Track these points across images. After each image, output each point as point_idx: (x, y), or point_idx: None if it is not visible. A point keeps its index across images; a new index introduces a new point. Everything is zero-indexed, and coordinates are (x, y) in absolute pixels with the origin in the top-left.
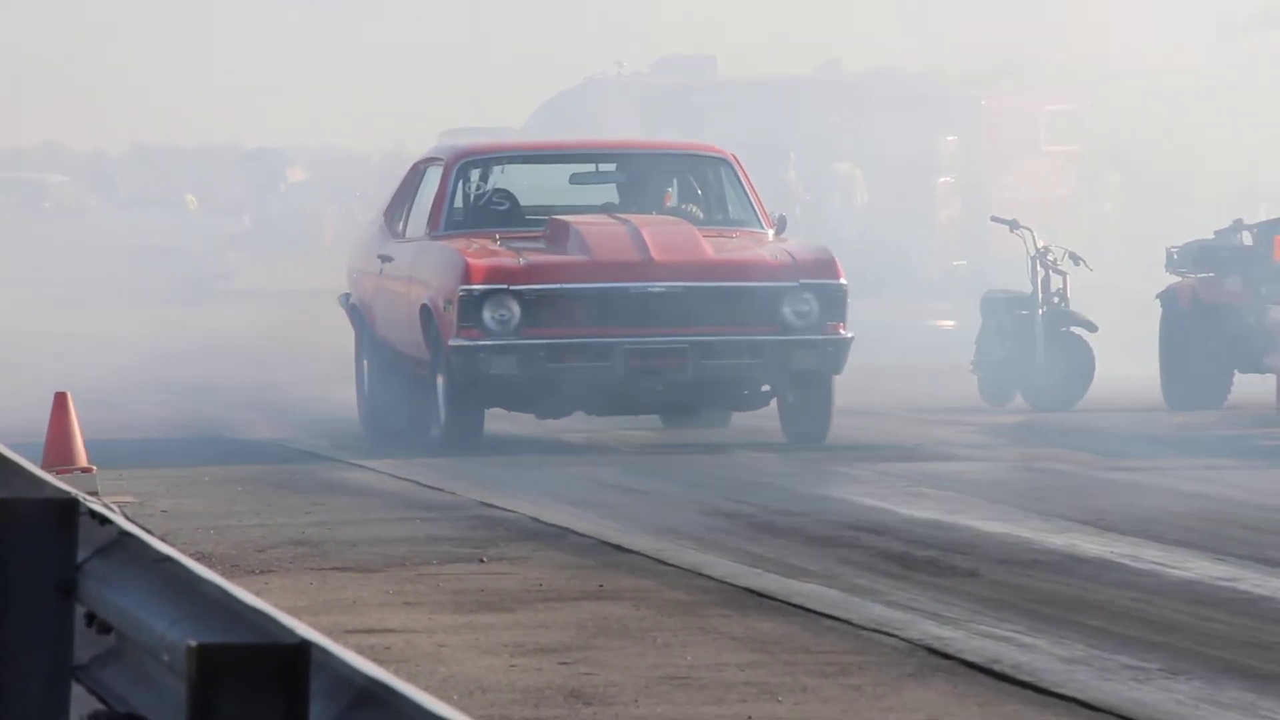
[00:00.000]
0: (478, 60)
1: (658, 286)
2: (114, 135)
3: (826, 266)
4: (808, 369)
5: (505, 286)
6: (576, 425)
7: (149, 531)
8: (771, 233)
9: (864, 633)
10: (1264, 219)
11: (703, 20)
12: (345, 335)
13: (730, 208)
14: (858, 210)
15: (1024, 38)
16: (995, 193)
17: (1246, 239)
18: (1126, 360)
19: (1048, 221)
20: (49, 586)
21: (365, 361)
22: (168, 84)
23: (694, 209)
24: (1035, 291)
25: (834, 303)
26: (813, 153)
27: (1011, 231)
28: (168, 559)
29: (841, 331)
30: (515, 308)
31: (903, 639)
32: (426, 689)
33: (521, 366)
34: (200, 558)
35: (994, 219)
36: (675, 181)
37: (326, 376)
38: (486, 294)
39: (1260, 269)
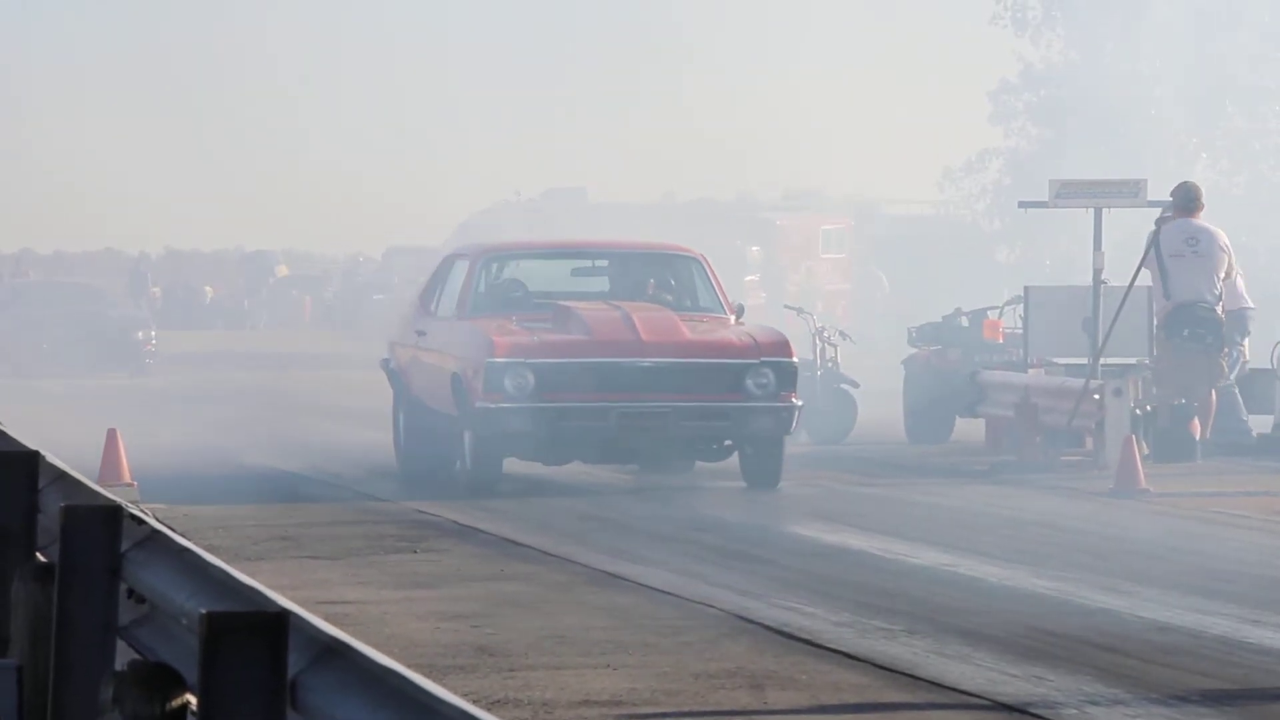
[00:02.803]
0: (408, 187)
1: (646, 362)
2: (152, 242)
3: (782, 347)
4: (765, 430)
5: (523, 360)
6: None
7: (173, 530)
8: (734, 318)
9: (692, 604)
10: (975, 308)
11: (576, 158)
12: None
13: (700, 297)
14: None
15: (806, 176)
16: (787, 287)
17: (964, 322)
18: (881, 407)
19: (825, 309)
20: (101, 568)
21: (401, 414)
22: (194, 199)
23: (671, 297)
24: (815, 358)
25: (787, 377)
26: None
27: (798, 315)
28: (186, 550)
29: (793, 400)
30: (531, 377)
31: (719, 609)
32: (373, 646)
33: (535, 425)
34: (210, 549)
35: (786, 306)
36: (656, 275)
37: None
38: (508, 366)
39: (973, 343)
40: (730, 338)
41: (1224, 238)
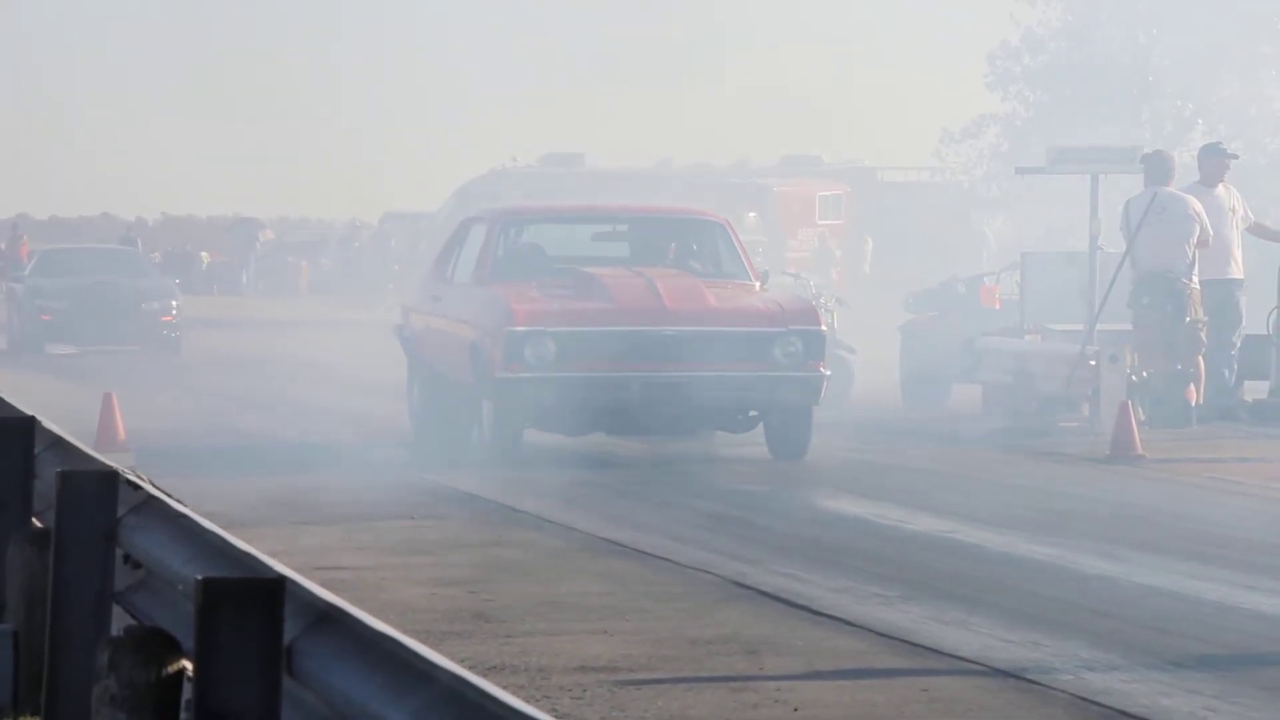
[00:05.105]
0: (405, 151)
1: (670, 330)
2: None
3: (810, 315)
4: (792, 400)
5: (544, 329)
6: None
7: (169, 495)
8: (759, 285)
9: (688, 570)
10: (972, 275)
11: (573, 123)
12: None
13: (724, 263)
14: None
15: (803, 142)
16: (784, 253)
17: (961, 288)
18: (877, 373)
19: (836, 275)
20: (97, 534)
21: (417, 383)
22: (191, 166)
23: (695, 264)
24: None
25: (815, 345)
26: None
27: (795, 281)
28: (183, 515)
29: (821, 369)
30: (552, 346)
31: (715, 574)
32: (370, 611)
33: (556, 395)
34: (207, 514)
35: (784, 273)
36: (678, 240)
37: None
38: (528, 334)
39: (970, 310)
40: (757, 305)
41: (1196, 205)
